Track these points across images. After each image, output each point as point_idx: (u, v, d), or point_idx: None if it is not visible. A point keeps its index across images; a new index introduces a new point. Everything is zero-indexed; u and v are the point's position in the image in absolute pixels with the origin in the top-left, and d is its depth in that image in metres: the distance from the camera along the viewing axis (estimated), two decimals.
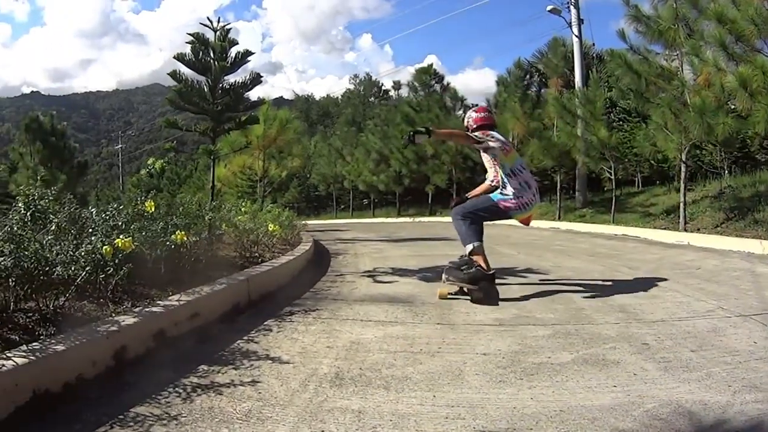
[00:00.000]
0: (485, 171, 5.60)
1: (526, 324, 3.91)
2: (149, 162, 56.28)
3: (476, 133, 5.18)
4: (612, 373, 2.83)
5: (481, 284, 4.75)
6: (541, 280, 5.97)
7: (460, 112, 31.35)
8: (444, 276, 4.97)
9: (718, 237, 9.81)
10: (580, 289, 5.36)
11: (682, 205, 11.62)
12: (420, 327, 3.90)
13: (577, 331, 3.66)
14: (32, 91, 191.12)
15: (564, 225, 15.48)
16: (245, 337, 3.67)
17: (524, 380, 2.77)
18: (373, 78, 68.48)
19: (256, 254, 6.74)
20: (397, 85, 39.11)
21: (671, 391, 2.56)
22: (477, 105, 31.49)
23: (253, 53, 8.07)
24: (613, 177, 15.23)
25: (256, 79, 8.18)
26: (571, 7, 20.29)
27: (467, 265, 4.89)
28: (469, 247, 4.91)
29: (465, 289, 4.92)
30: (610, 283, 5.73)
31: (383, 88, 63.82)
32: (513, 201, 5.06)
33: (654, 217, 13.90)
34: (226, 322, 4.07)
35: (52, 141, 22.71)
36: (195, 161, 50.99)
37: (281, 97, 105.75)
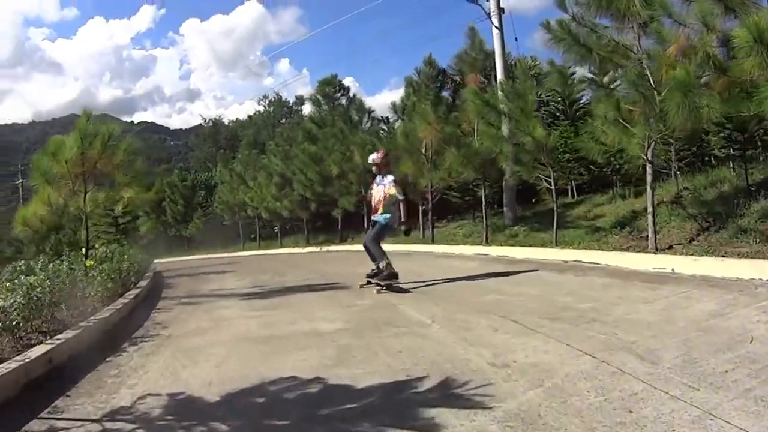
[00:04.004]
0: None
1: None
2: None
3: (399, 193, 7.95)
4: None
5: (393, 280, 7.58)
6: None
7: (368, 125, 28.07)
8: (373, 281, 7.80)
9: (715, 260, 6.98)
10: None
11: (650, 217, 8.85)
12: None
13: None
14: None
15: (494, 250, 12.18)
16: None
17: None
18: (284, 98, 64.17)
19: None
20: (300, 100, 34.82)
21: None
22: (386, 117, 28.64)
23: None
24: (553, 186, 12.07)
25: None
26: None
27: (382, 271, 7.63)
28: (383, 262, 7.64)
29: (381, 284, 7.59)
30: None
31: (294, 108, 59.70)
32: (393, 220, 7.98)
33: (604, 232, 11.14)
34: None
35: None
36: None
37: (200, 124, 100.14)
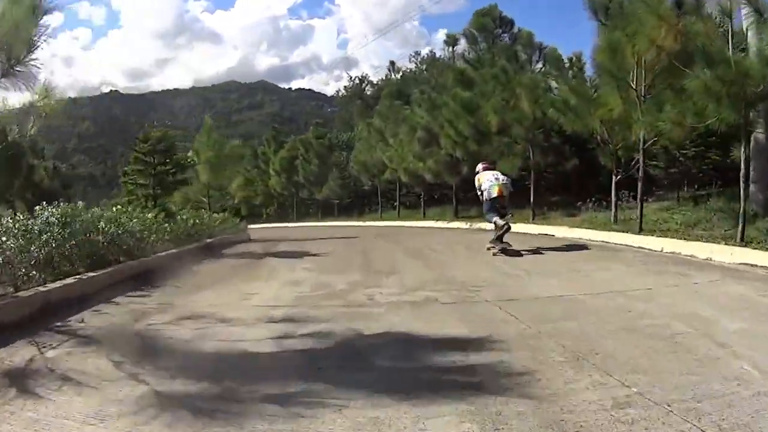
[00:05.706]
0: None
1: None
2: (189, 155, 48.56)
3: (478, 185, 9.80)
4: None
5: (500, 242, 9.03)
6: None
7: (539, 65, 21.63)
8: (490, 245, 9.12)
9: None
10: None
11: None
12: None
13: None
14: (111, 90, 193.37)
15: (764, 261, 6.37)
16: None
17: None
18: (437, 55, 58.41)
19: None
20: (451, 40, 28.44)
21: None
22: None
23: None
24: None
25: None
26: None
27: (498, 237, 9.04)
28: (495, 220, 9.14)
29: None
30: None
31: (447, 63, 53.77)
32: (484, 197, 9.47)
33: None
34: None
35: None
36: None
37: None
